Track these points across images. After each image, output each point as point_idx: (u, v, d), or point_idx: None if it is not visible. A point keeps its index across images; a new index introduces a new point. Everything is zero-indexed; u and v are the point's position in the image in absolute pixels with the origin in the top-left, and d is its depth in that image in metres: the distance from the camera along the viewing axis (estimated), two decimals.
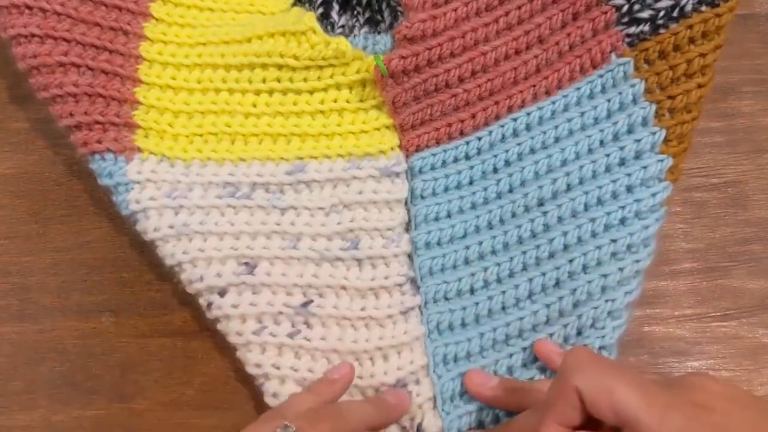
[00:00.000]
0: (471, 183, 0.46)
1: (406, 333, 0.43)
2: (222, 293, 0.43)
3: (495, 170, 0.46)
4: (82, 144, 0.45)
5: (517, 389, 0.41)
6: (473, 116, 0.46)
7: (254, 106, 0.46)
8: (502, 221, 0.44)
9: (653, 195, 0.43)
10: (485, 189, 0.45)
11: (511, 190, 0.45)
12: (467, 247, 0.44)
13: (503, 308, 0.43)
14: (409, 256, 0.45)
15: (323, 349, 0.43)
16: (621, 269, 0.42)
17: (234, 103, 0.46)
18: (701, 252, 0.49)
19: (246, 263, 0.43)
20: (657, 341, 0.47)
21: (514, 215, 0.44)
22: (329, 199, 0.45)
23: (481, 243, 0.44)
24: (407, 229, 0.45)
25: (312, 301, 0.43)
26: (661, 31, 0.44)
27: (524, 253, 0.43)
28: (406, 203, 0.46)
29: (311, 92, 0.46)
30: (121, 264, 0.47)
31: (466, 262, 0.44)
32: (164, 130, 0.46)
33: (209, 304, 0.43)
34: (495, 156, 0.46)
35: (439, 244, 0.45)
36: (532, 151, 0.45)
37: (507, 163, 0.45)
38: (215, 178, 0.45)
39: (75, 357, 0.45)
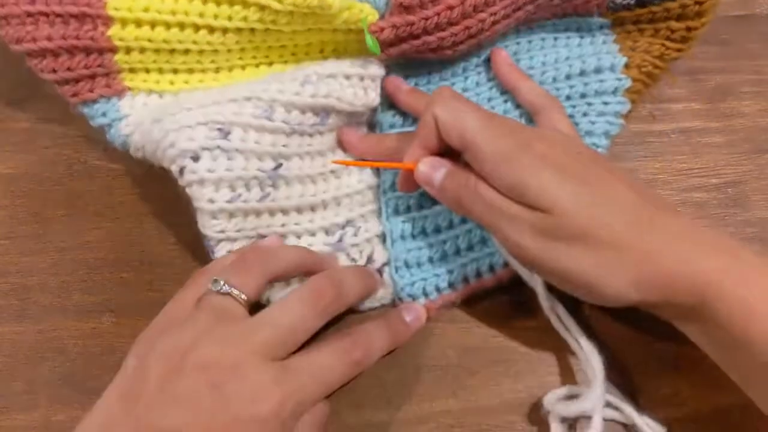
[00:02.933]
0: None
1: (360, 182, 0.47)
2: (195, 158, 0.42)
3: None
4: (72, 95, 0.45)
5: (419, 93, 0.48)
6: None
7: (237, 43, 0.45)
8: None
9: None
10: None
11: None
12: None
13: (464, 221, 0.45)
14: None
15: (285, 207, 0.44)
16: None
17: (216, 43, 0.45)
18: None
19: (219, 129, 0.42)
20: None
21: None
22: (304, 71, 0.45)
23: None
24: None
25: (281, 164, 0.44)
26: (642, 9, 0.49)
27: None
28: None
29: (294, 33, 0.46)
30: (121, 264, 0.47)
31: None
32: (148, 67, 0.46)
33: (182, 169, 0.42)
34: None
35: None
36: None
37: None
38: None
39: (75, 357, 0.45)
